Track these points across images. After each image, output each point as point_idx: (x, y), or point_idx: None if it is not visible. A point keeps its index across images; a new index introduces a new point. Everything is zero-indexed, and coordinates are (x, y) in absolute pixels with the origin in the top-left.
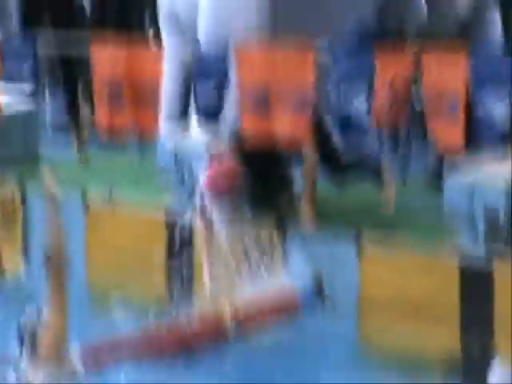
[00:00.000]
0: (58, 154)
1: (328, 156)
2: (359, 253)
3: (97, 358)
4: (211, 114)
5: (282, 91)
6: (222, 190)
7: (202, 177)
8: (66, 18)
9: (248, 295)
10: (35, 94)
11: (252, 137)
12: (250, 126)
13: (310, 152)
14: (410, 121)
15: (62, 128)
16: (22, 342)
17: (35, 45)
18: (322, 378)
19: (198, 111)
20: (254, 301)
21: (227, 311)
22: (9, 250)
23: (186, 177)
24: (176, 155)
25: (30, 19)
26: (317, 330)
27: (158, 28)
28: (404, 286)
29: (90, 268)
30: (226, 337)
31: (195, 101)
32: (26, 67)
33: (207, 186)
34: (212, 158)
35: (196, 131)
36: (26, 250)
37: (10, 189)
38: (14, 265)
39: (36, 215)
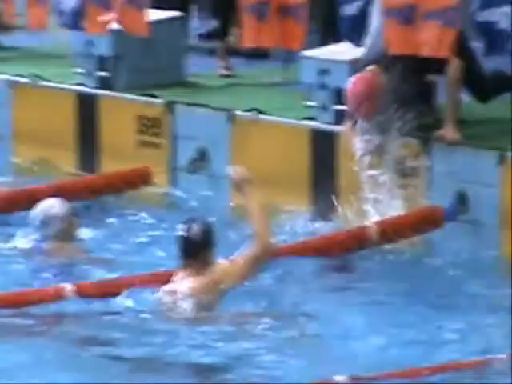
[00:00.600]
0: (202, 63)
1: (472, 70)
2: (501, 166)
3: None
4: (357, 30)
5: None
6: (361, 97)
7: (346, 84)
8: None
9: (392, 213)
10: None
11: (396, 47)
12: (394, 37)
13: (454, 62)
14: None
15: (208, 37)
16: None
17: None
18: (462, 290)
19: (344, 26)
20: (397, 217)
21: (372, 225)
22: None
23: (329, 88)
24: (320, 68)
25: None
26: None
27: None
28: None
29: None
30: (368, 247)
31: (342, 16)
32: None
33: (348, 92)
34: (356, 68)
35: (341, 46)
36: (173, 164)
37: (160, 103)
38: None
39: (181, 126)
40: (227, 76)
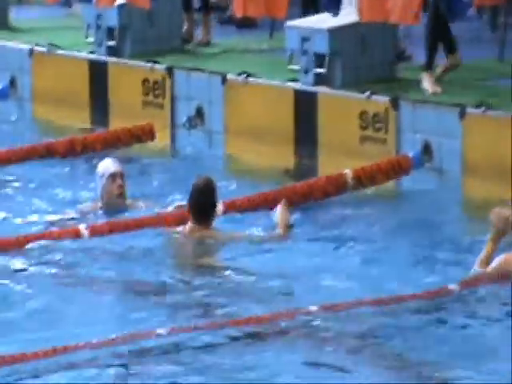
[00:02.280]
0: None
1: (446, 29)
2: (463, 119)
3: None
4: (334, 1)
5: None
6: None
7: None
8: None
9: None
10: None
11: (367, 15)
12: (366, 7)
13: None
14: None
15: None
16: None
17: None
18: (428, 227)
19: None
20: (370, 165)
21: (349, 171)
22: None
23: (310, 54)
24: (302, 36)
25: None
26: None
27: None
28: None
29: (227, 134)
30: (345, 192)
31: None
32: None
33: None
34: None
35: (320, 16)
36: (174, 121)
37: (162, 68)
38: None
39: (180, 87)
40: (206, 43)
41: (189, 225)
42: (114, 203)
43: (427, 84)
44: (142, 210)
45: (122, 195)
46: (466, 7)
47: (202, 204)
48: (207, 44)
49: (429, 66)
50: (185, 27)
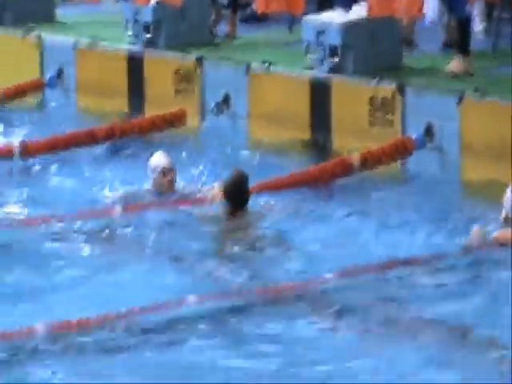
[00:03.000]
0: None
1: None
2: (461, 104)
3: None
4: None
5: None
6: None
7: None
8: None
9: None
10: None
11: (375, 11)
12: (375, 3)
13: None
14: None
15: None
16: None
17: None
18: (428, 203)
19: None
20: (376, 148)
21: (356, 154)
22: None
23: (325, 45)
24: (317, 30)
25: None
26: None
27: None
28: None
29: (251, 118)
30: (352, 174)
31: None
32: None
33: None
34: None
35: (334, 12)
36: (203, 107)
37: (192, 58)
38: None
39: (209, 76)
40: (233, 37)
41: (226, 210)
42: (164, 193)
43: (458, 66)
44: (188, 195)
45: (171, 188)
46: (464, 3)
47: (243, 195)
48: (233, 38)
49: (465, 50)
50: (211, 20)
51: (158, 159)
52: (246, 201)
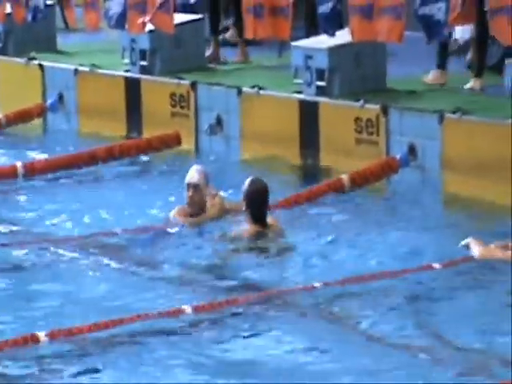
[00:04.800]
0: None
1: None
2: (442, 124)
3: None
4: (331, 25)
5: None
6: None
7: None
8: None
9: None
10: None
11: (358, 35)
12: (357, 28)
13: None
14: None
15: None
16: None
17: None
18: (412, 216)
19: (321, 22)
20: (363, 168)
21: (345, 175)
22: (185, 130)
23: (312, 69)
24: (305, 54)
25: None
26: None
27: None
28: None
29: (243, 139)
30: (344, 193)
31: (319, 14)
32: None
33: None
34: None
35: (321, 37)
36: (197, 129)
37: (186, 83)
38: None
39: (203, 100)
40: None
41: (249, 224)
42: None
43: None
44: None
45: (191, 205)
46: (442, 28)
47: (264, 205)
48: (244, 62)
49: (480, 72)
50: (210, 50)
51: (189, 173)
52: (266, 211)
